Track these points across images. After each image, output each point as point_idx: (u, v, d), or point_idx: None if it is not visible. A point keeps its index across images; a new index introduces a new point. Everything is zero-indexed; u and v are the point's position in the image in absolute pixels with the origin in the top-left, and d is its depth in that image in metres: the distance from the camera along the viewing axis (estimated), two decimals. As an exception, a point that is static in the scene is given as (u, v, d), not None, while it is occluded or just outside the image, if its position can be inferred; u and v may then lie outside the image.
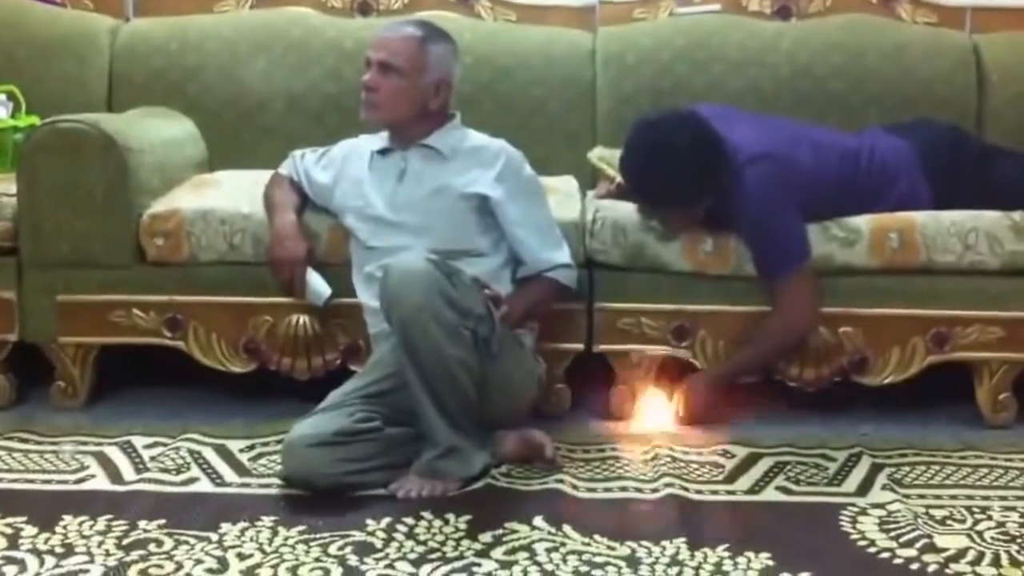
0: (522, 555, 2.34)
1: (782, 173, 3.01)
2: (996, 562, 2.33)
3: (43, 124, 3.12)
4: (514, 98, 3.65)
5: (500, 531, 2.44)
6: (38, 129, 3.11)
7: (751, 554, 2.34)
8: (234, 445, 2.88)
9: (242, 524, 2.45)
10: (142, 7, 3.87)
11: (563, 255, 2.96)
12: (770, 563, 2.31)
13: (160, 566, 2.27)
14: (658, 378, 3.15)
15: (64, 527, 2.43)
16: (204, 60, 3.69)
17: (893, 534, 2.45)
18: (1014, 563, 2.33)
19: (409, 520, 2.48)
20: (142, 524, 2.44)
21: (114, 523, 2.45)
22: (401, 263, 2.62)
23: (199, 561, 2.30)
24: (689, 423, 3.06)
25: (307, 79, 3.67)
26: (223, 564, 2.29)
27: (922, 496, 2.65)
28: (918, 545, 2.40)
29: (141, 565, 2.27)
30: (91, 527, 2.43)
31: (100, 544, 2.36)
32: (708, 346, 3.10)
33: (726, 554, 2.34)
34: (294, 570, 2.27)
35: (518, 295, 2.89)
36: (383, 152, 2.97)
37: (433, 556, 2.34)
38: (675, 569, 2.29)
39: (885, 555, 2.36)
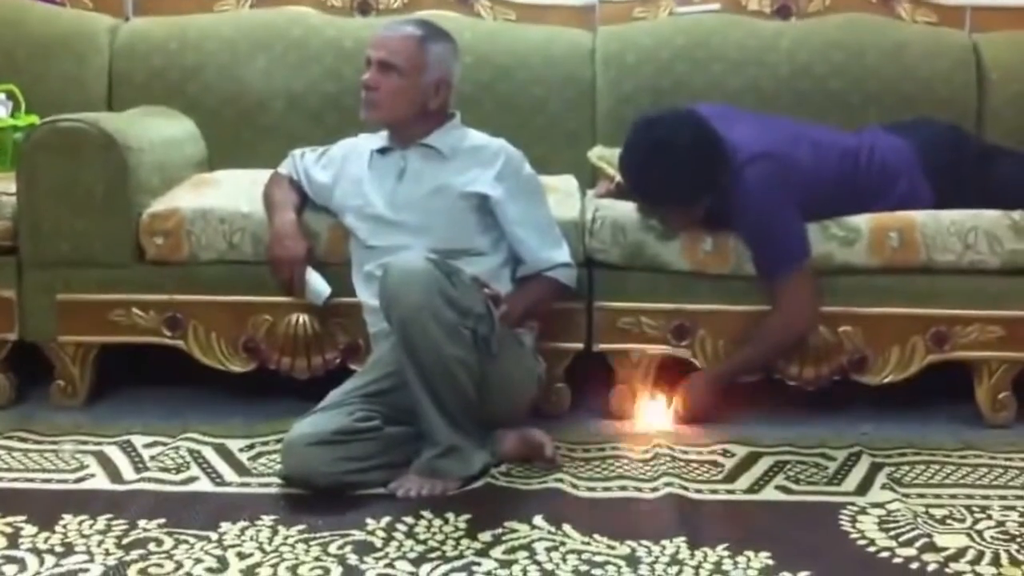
0: (522, 554, 2.34)
1: (782, 172, 3.01)
2: (996, 561, 2.33)
3: (43, 123, 3.12)
4: (514, 97, 3.65)
5: (500, 530, 2.44)
6: (38, 128, 3.11)
7: (751, 553, 2.34)
8: (234, 444, 2.88)
9: (242, 523, 2.45)
10: (142, 6, 3.87)
11: (563, 254, 2.96)
12: (770, 562, 2.31)
13: (160, 565, 2.27)
14: (658, 377, 3.15)
15: (64, 526, 2.43)
16: (204, 59, 3.69)
17: (893, 533, 2.45)
18: (1014, 562, 2.33)
19: (409, 519, 2.48)
20: (142, 523, 2.44)
21: (114, 522, 2.45)
22: (401, 262, 2.62)
23: (199, 560, 2.30)
24: (689, 422, 3.06)
25: (307, 78, 3.67)
26: (223, 563, 2.29)
27: (922, 495, 2.65)
28: (918, 544, 2.40)
29: (141, 564, 2.27)
30: (91, 526, 2.43)
31: (100, 543, 2.36)
32: (708, 345, 3.10)
33: (726, 553, 2.34)
34: (294, 569, 2.27)
35: (518, 294, 2.89)
36: (383, 151, 2.97)
37: (433, 555, 2.34)
38: (675, 568, 2.29)
39: (885, 554, 2.36)
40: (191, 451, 2.84)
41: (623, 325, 3.10)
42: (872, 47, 3.68)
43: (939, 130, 3.30)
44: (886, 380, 3.11)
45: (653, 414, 3.10)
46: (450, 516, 2.50)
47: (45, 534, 2.39)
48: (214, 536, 2.40)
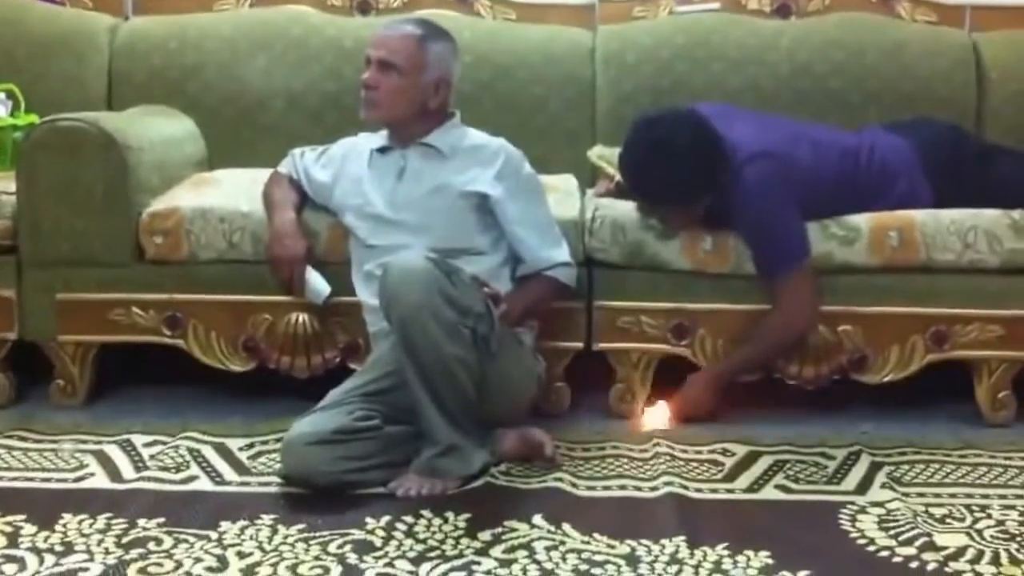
0: (521, 553, 2.34)
1: (781, 171, 3.01)
2: (995, 560, 2.33)
3: (42, 122, 3.12)
4: (514, 97, 3.65)
5: (499, 529, 2.44)
6: (37, 127, 3.11)
7: (750, 552, 2.34)
8: (233, 443, 2.88)
9: (242, 522, 2.45)
10: (141, 5, 3.87)
11: (562, 253, 2.96)
12: (769, 561, 2.31)
13: (160, 564, 2.27)
14: (657, 377, 3.15)
15: (64, 525, 2.43)
16: (203, 58, 3.69)
17: (892, 532, 2.45)
18: (1013, 561, 2.33)
19: (408, 518, 2.48)
20: (141, 522, 2.44)
21: (113, 521, 2.45)
22: (400, 261, 2.62)
23: (199, 559, 2.30)
24: (688, 421, 3.06)
25: (307, 77, 3.67)
26: (223, 562, 2.29)
27: (921, 494, 2.65)
28: (917, 543, 2.40)
29: (140, 563, 2.27)
30: (91, 525, 2.43)
31: (100, 542, 2.36)
32: (707, 344, 3.10)
33: (725, 552, 2.34)
34: (293, 568, 2.27)
35: (517, 293, 2.89)
36: (382, 150, 2.97)
37: (432, 554, 2.34)
38: (674, 567, 2.29)
39: (884, 553, 2.36)
40: (191, 450, 2.84)
41: (623, 324, 3.10)
42: (872, 46, 3.68)
43: (939, 129, 3.30)
44: (886, 379, 3.11)
45: (653, 413, 3.10)
46: (450, 515, 2.50)
47: (45, 533, 2.39)
48: (214, 535, 2.40)
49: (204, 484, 2.67)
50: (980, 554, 2.36)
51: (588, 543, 2.39)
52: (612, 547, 2.37)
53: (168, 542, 2.36)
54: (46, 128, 3.07)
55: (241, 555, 2.32)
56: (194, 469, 2.74)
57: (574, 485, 2.68)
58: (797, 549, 2.36)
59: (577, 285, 3.02)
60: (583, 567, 2.29)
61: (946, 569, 2.29)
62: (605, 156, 3.30)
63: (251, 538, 2.39)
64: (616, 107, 3.63)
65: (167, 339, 3.11)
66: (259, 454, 2.83)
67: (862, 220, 3.06)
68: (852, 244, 3.05)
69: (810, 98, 3.62)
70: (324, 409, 2.67)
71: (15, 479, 2.68)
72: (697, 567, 2.29)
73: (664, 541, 2.38)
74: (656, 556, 2.33)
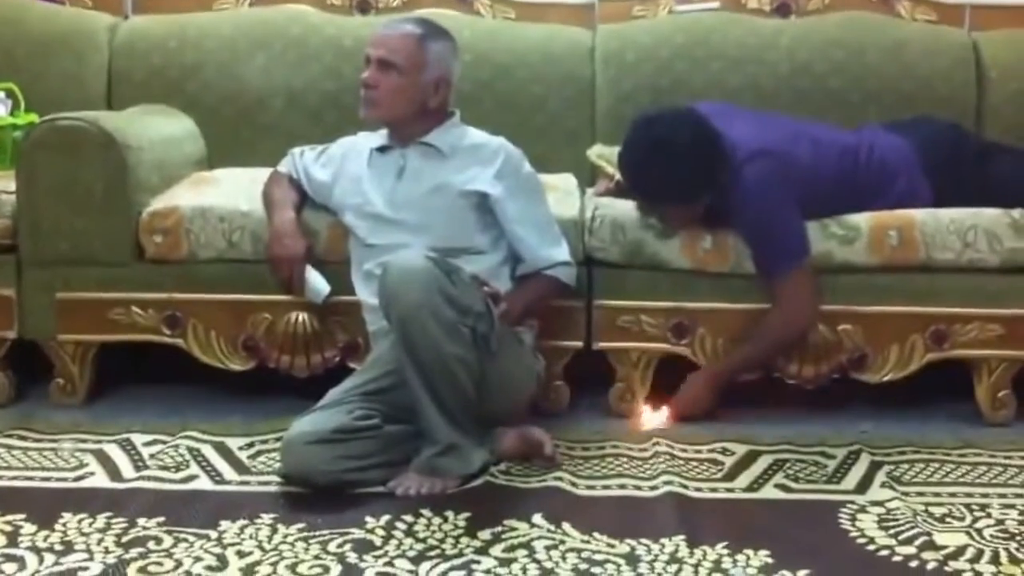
0: (521, 552, 2.34)
1: (781, 170, 3.01)
2: (995, 560, 2.33)
3: (42, 122, 3.12)
4: (513, 96, 3.65)
5: (499, 529, 2.44)
6: (37, 127, 3.11)
7: (750, 551, 2.34)
8: (233, 443, 2.88)
9: (241, 522, 2.45)
10: (141, 5, 3.86)
11: (562, 252, 2.96)
12: (769, 561, 2.31)
13: (159, 564, 2.27)
14: (657, 376, 3.15)
15: (63, 525, 2.43)
16: (203, 57, 3.69)
17: (892, 532, 2.45)
18: (1013, 561, 2.33)
19: (408, 518, 2.48)
20: (141, 522, 2.44)
21: (113, 521, 2.45)
22: (400, 260, 2.62)
23: (198, 559, 2.30)
24: (688, 420, 3.06)
25: (306, 76, 3.67)
26: (222, 562, 2.29)
27: (921, 494, 2.65)
28: (917, 543, 2.40)
29: (140, 563, 2.27)
30: (90, 525, 2.43)
31: (99, 542, 2.36)
32: (707, 343, 3.10)
33: (725, 552, 2.34)
34: (293, 568, 2.27)
35: (517, 293, 2.89)
36: (382, 150, 2.97)
37: (432, 554, 2.34)
38: (674, 567, 2.29)
39: (884, 553, 2.36)
40: (190, 449, 2.84)
41: (623, 323, 3.10)
42: (872, 45, 3.68)
43: (938, 128, 3.30)
44: (885, 378, 3.11)
45: (652, 412, 3.10)
46: (449, 514, 2.50)
47: (44, 532, 2.39)
48: (213, 534, 2.40)
49: (204, 483, 2.67)
50: (980, 553, 2.36)
51: (588, 542, 2.39)
52: (612, 546, 2.37)
53: (168, 541, 2.36)
54: (46, 127, 3.07)
55: (241, 554, 2.32)
56: (194, 468, 2.74)
57: (574, 484, 2.68)
58: (797, 548, 2.36)
59: (577, 284, 3.02)
60: (583, 566, 2.29)
61: (946, 568, 2.29)
62: (605, 155, 3.30)
63: (251, 537, 2.39)
64: (616, 106, 3.63)
65: (167, 338, 3.11)
66: (259, 453, 2.83)
67: (862, 219, 3.06)
68: (852, 243, 3.05)
69: (810, 97, 3.62)
70: (324, 408, 2.67)
71: (15, 478, 2.68)
72: (697, 566, 2.29)
73: (664, 540, 2.38)
74: (656, 555, 2.33)
